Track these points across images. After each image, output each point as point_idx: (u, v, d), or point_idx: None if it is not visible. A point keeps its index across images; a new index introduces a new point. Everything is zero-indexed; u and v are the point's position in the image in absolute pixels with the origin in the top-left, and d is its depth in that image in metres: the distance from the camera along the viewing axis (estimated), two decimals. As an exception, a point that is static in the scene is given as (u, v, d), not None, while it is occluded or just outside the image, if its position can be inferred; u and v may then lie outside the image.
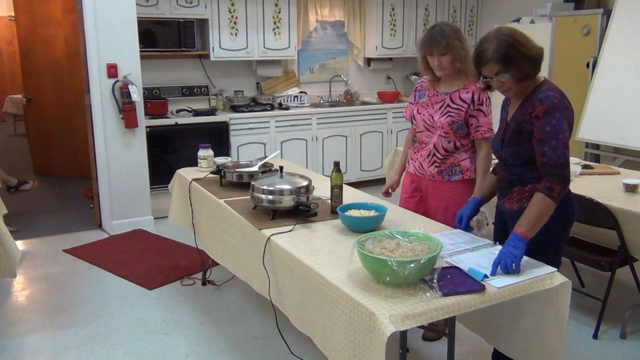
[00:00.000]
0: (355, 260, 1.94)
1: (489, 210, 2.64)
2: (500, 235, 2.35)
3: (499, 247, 2.14)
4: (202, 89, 5.61)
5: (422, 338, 2.97)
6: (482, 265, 1.96)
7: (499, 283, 1.86)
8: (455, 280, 1.85)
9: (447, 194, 2.81)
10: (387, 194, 3.11)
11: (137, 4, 4.66)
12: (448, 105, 2.73)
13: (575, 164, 3.64)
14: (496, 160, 2.39)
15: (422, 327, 2.83)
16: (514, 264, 1.92)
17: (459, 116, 2.70)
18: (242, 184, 3.04)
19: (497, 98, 2.43)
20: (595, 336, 3.04)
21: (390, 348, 1.66)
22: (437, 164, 2.80)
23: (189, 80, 5.62)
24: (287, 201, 2.52)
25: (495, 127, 2.45)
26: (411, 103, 2.94)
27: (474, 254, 2.09)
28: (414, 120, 2.88)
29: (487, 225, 2.70)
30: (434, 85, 2.83)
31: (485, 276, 1.88)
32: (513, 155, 2.18)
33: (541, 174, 2.03)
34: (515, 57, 2.02)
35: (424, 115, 2.80)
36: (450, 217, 2.76)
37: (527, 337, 2.08)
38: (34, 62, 6.43)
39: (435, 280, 1.79)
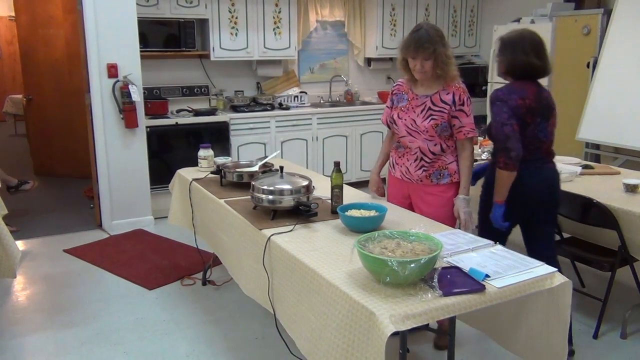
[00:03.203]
0: (355, 260, 1.94)
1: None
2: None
3: (500, 246, 2.16)
4: (203, 89, 5.61)
5: (434, 347, 2.91)
6: (482, 265, 1.96)
7: (499, 283, 1.86)
8: (456, 280, 1.85)
9: (435, 197, 2.77)
10: (377, 193, 3.05)
11: (137, 4, 4.66)
12: (430, 108, 2.69)
13: (575, 164, 3.65)
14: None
15: (432, 330, 2.84)
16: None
17: (442, 118, 2.67)
18: (243, 184, 3.04)
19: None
20: (595, 336, 3.04)
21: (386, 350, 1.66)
22: (424, 168, 2.76)
23: (189, 80, 5.63)
24: (288, 201, 2.52)
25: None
26: (388, 107, 2.89)
27: (475, 254, 2.09)
28: (394, 126, 2.82)
29: (473, 227, 2.70)
30: (412, 87, 2.78)
31: (487, 276, 1.88)
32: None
33: None
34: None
35: (405, 120, 2.75)
36: (439, 221, 2.62)
37: (531, 336, 2.09)
38: (34, 62, 6.44)
39: (435, 280, 1.79)
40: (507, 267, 1.97)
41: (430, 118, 2.68)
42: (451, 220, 2.75)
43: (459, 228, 2.62)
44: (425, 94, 2.72)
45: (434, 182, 2.76)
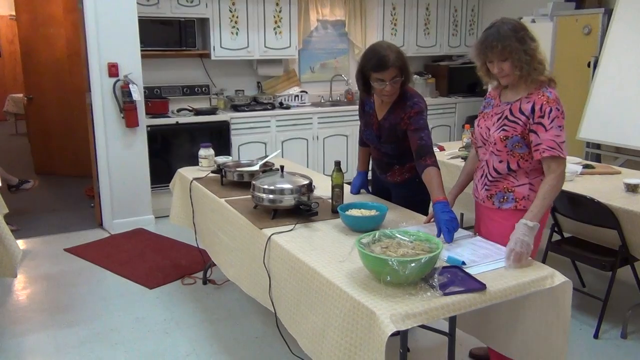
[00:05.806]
0: (355, 259, 1.94)
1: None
2: (382, 196, 2.95)
3: (479, 237, 2.23)
4: (203, 88, 5.61)
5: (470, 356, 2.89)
6: (460, 255, 2.03)
7: (473, 271, 1.92)
8: (456, 280, 1.85)
9: (496, 223, 2.35)
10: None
11: (138, 3, 4.66)
12: (506, 118, 2.28)
13: (576, 163, 3.64)
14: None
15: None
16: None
17: (514, 131, 2.24)
18: (243, 184, 3.04)
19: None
20: (596, 336, 3.04)
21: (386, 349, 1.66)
22: (487, 187, 2.37)
23: (190, 80, 5.63)
24: (288, 200, 2.52)
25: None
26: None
27: (454, 244, 2.16)
28: (474, 134, 2.48)
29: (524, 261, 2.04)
30: (500, 93, 2.40)
31: (463, 263, 1.95)
32: (392, 150, 2.78)
33: (420, 153, 2.57)
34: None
35: (481, 127, 2.39)
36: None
37: (528, 338, 2.08)
38: (35, 62, 6.44)
39: (435, 280, 1.79)
40: (483, 256, 2.02)
41: (502, 129, 2.28)
42: None
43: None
44: (507, 101, 2.31)
45: (496, 205, 2.34)
